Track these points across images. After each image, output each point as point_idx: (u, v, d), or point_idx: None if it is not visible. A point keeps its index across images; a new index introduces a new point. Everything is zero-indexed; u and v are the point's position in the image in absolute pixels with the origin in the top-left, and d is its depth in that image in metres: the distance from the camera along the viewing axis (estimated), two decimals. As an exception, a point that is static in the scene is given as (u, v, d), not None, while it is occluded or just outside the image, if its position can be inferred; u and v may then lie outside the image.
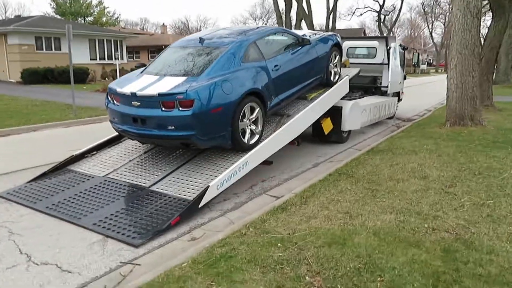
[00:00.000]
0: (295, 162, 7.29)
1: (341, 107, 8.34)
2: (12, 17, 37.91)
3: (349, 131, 9.10)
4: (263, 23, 62.84)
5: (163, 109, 5.08)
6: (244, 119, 5.60)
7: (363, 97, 10.49)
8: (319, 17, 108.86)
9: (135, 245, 4.05)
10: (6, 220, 4.67)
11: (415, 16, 64.60)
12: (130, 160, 6.08)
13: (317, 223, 4.32)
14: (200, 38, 6.18)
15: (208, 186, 4.83)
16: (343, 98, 8.68)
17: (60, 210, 4.84)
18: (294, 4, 28.91)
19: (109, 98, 5.76)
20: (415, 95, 20.67)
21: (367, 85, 11.40)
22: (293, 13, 30.33)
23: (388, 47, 10.94)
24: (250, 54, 5.94)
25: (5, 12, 51.29)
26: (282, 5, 29.74)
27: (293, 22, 30.23)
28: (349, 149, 8.42)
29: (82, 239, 4.21)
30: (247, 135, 5.70)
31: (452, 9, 9.53)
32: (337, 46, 7.95)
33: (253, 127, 5.79)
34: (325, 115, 7.92)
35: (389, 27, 47.14)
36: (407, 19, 68.65)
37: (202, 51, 5.93)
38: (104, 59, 28.42)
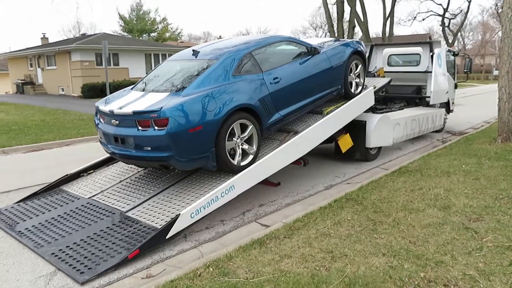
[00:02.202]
0: (305, 184, 6.58)
1: (365, 121, 7.48)
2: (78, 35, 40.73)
3: (379, 148, 8.17)
4: (323, 32, 61.67)
5: (139, 128, 4.71)
6: (233, 138, 5.06)
7: (402, 109, 9.51)
8: (377, 24, 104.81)
9: (79, 282, 3.66)
10: (-25, 244, 4.53)
11: (487, 19, 59.70)
12: (120, 181, 5.78)
13: (289, 264, 3.65)
14: (193, 50, 5.77)
15: (179, 214, 4.34)
16: (372, 111, 7.86)
17: (29, 235, 4.61)
18: (348, 11, 27.64)
19: (97, 116, 5.53)
20: (477, 105, 18.80)
21: (410, 96, 10.33)
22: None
23: (431, 53, 9.85)
24: (244, 66, 5.39)
25: (79, 31, 55.06)
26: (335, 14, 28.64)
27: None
28: (376, 169, 7.49)
29: (32, 271, 3.91)
30: (238, 156, 5.15)
31: (502, 8, 8.26)
32: (358, 54, 7.09)
33: (245, 146, 5.23)
34: (343, 131, 7.13)
35: (455, 32, 43.81)
36: (479, 22, 63.72)
37: (193, 64, 5.50)
38: (159, 73, 29.31)
